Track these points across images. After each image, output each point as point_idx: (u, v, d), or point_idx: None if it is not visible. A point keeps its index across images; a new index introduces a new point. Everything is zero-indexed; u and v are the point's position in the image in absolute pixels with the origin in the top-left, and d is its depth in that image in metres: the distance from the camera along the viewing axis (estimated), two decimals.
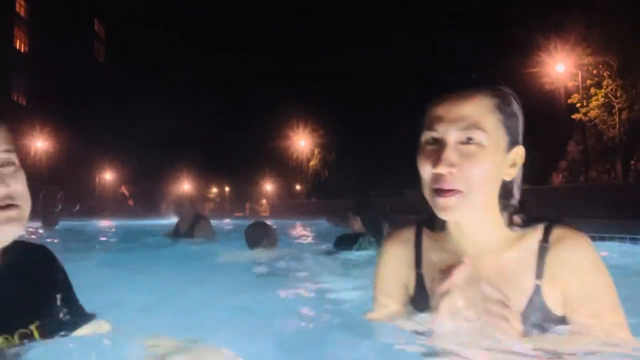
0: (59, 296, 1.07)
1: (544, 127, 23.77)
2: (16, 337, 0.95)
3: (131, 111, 40.97)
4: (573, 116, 22.17)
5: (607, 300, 0.97)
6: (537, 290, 0.98)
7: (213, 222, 6.05)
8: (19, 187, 0.98)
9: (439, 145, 0.96)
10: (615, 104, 21.19)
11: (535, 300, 0.98)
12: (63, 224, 10.53)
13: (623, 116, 21.40)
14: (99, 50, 44.03)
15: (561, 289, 0.98)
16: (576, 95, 21.81)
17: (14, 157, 1.02)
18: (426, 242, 1.13)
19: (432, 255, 1.10)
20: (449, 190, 0.94)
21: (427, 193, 0.98)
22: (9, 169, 0.99)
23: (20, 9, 33.18)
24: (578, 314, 0.97)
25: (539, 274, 0.99)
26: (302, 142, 41.37)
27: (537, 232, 1.01)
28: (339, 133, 38.17)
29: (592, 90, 21.44)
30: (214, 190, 65.65)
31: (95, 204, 32.23)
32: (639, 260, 4.01)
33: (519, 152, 1.01)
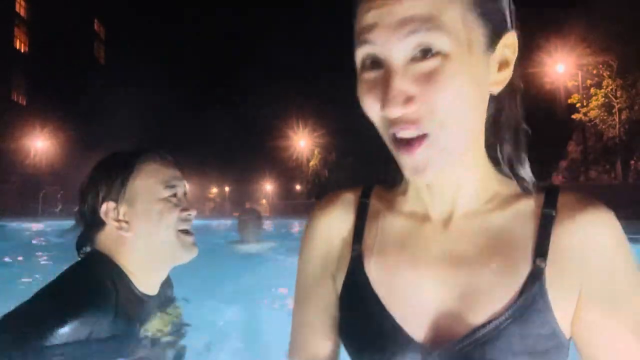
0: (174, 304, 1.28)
1: (544, 127, 23.79)
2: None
3: (131, 111, 40.97)
4: (573, 116, 22.18)
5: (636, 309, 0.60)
6: (537, 274, 0.60)
7: (213, 222, 6.07)
8: (193, 214, 1.17)
9: (382, 73, 0.58)
10: (615, 104, 21.19)
11: (533, 289, 0.60)
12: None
13: (623, 116, 21.39)
14: (99, 50, 44.02)
15: (576, 279, 0.61)
16: (576, 95, 21.81)
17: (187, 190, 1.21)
18: (376, 204, 0.74)
19: (384, 221, 0.72)
20: (415, 139, 0.58)
21: (390, 147, 0.62)
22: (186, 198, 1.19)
23: (20, 9, 33.17)
24: (593, 323, 0.61)
25: (541, 252, 0.61)
26: (302, 142, 41.37)
27: (536, 197, 0.66)
28: (339, 133, 38.20)
29: (592, 90, 21.44)
30: (214, 190, 65.64)
31: None
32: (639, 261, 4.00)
33: (509, 41, 0.62)
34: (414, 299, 0.64)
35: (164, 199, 1.13)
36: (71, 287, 1.04)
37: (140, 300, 1.11)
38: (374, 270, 0.68)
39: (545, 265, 0.61)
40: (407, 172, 0.61)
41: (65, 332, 0.93)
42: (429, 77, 0.56)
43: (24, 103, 32.95)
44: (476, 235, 0.65)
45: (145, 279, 1.14)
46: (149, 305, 1.13)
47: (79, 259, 1.13)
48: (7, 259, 4.69)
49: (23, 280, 3.48)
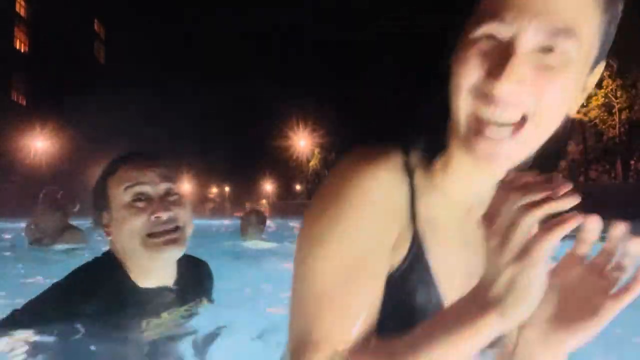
0: (205, 298, 1.33)
1: None
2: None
3: (131, 111, 40.96)
4: (573, 116, 22.19)
5: None
6: None
7: (214, 222, 6.07)
8: (181, 212, 1.17)
9: (501, 48, 0.56)
10: (615, 104, 21.20)
11: None
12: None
13: (623, 116, 21.41)
14: (99, 50, 44.03)
15: None
16: None
17: (175, 187, 1.20)
18: (418, 174, 0.68)
19: (434, 200, 0.68)
20: (508, 124, 0.57)
21: (462, 119, 0.60)
22: (173, 197, 1.18)
23: (20, 9, 33.16)
24: None
25: None
26: (302, 142, 41.38)
27: None
28: (339, 133, 38.18)
29: (592, 90, 21.44)
30: (214, 190, 65.63)
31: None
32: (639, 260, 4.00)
33: (598, 72, 0.65)
34: (468, 288, 0.56)
35: (127, 205, 1.13)
36: (73, 275, 1.16)
37: (134, 291, 1.16)
38: (433, 254, 0.67)
39: None
40: (477, 155, 0.59)
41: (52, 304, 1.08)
42: (548, 72, 0.56)
43: (24, 103, 32.95)
44: None
45: (141, 275, 1.17)
46: (149, 296, 1.17)
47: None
48: (7, 259, 4.71)
49: (23, 279, 3.48)
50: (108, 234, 1.19)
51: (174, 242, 1.13)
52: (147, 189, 1.15)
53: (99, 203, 1.19)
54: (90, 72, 38.61)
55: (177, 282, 1.25)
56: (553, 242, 0.48)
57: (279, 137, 40.52)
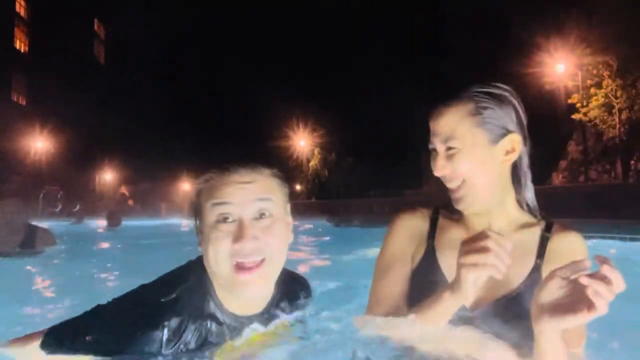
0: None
1: (544, 127, 23.76)
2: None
3: (131, 111, 40.95)
4: (573, 116, 22.15)
5: None
6: (537, 267, 1.13)
7: None
8: (271, 240, 1.01)
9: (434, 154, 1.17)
10: (615, 104, 21.18)
11: (534, 276, 1.12)
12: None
13: (623, 116, 21.39)
14: (99, 50, 44.02)
15: None
16: (576, 95, 21.79)
17: (272, 207, 1.03)
18: (442, 220, 1.25)
19: (448, 232, 1.21)
20: (456, 187, 1.14)
21: (446, 191, 1.18)
22: (265, 222, 1.02)
23: (20, 9, 33.16)
24: None
25: (540, 255, 1.14)
26: (302, 142, 41.37)
27: (540, 224, 1.19)
28: (339, 133, 38.18)
29: (592, 90, 21.42)
30: None
31: (94, 203, 32.23)
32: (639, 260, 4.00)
33: (512, 139, 1.13)
34: None
35: (212, 225, 1.01)
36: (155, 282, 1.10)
37: (213, 316, 1.04)
38: (441, 258, 1.18)
39: (542, 263, 1.14)
40: (454, 203, 1.16)
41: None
42: (451, 158, 1.13)
43: (24, 103, 32.94)
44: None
45: (227, 297, 1.05)
46: (232, 325, 1.05)
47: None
48: (7, 259, 4.70)
49: (24, 280, 3.48)
50: (200, 244, 1.07)
51: (254, 280, 0.99)
52: (234, 210, 1.01)
53: (193, 210, 1.09)
54: (90, 72, 38.60)
55: (267, 307, 1.12)
56: (475, 274, 0.96)
57: (279, 137, 40.51)
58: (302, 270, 3.42)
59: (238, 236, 0.98)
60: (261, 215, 1.02)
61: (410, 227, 1.25)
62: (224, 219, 1.00)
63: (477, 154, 1.11)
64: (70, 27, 33.66)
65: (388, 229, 1.29)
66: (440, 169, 1.13)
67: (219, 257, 0.99)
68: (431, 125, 1.16)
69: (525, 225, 1.18)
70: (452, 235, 1.19)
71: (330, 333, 1.14)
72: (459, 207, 1.15)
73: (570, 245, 1.15)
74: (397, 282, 1.19)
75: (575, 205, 11.64)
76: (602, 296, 0.83)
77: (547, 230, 1.18)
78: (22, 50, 33.26)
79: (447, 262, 1.14)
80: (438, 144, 1.14)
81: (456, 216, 1.22)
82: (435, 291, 1.04)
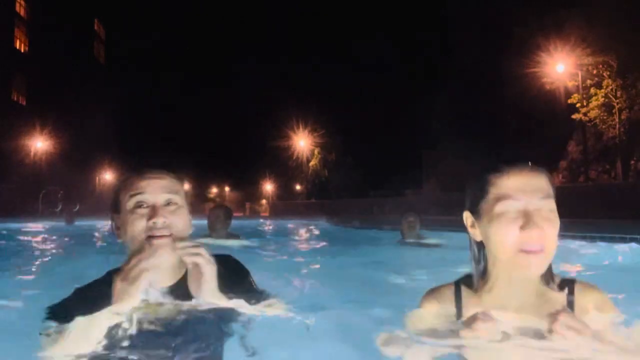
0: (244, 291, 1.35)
1: (544, 127, 23.76)
2: None
3: (131, 111, 40.96)
4: (573, 116, 22.15)
5: None
6: None
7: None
8: (175, 220, 1.28)
9: (520, 211, 1.09)
10: (615, 104, 21.20)
11: None
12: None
13: (623, 116, 21.41)
14: (99, 50, 44.01)
15: None
16: (576, 95, 21.80)
17: (177, 199, 1.33)
18: (465, 298, 1.24)
19: (472, 310, 1.16)
20: (538, 250, 1.07)
21: (508, 252, 1.10)
22: (171, 207, 1.31)
23: (20, 9, 33.15)
24: None
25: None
26: (302, 142, 41.36)
27: (561, 287, 1.18)
28: (339, 133, 38.20)
29: (592, 90, 21.43)
30: (214, 190, 65.63)
31: (95, 203, 32.24)
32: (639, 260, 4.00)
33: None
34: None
35: (131, 210, 1.29)
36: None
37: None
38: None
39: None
40: (523, 270, 1.10)
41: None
42: (548, 220, 1.10)
43: (24, 103, 32.93)
44: (534, 311, 1.12)
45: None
46: (163, 294, 1.26)
47: None
48: (8, 259, 4.70)
49: (24, 279, 3.48)
50: (119, 236, 1.34)
51: (164, 245, 1.24)
52: (148, 197, 1.30)
53: (113, 208, 1.36)
54: (90, 72, 38.59)
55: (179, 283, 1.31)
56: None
57: (279, 137, 40.50)
58: (301, 270, 3.42)
59: (151, 215, 1.26)
60: (168, 203, 1.31)
61: (436, 314, 1.23)
62: (140, 205, 1.28)
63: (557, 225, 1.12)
64: (70, 27, 33.66)
65: (413, 318, 1.25)
66: (534, 227, 1.08)
67: (136, 234, 1.26)
68: (516, 182, 1.13)
69: (547, 292, 1.18)
70: (476, 308, 1.15)
71: (259, 329, 1.25)
72: (530, 272, 1.11)
73: (596, 302, 1.15)
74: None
75: (575, 205, 11.64)
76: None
77: (571, 291, 1.17)
78: (22, 50, 33.25)
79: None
80: (534, 201, 1.10)
81: (478, 289, 1.22)
82: None
